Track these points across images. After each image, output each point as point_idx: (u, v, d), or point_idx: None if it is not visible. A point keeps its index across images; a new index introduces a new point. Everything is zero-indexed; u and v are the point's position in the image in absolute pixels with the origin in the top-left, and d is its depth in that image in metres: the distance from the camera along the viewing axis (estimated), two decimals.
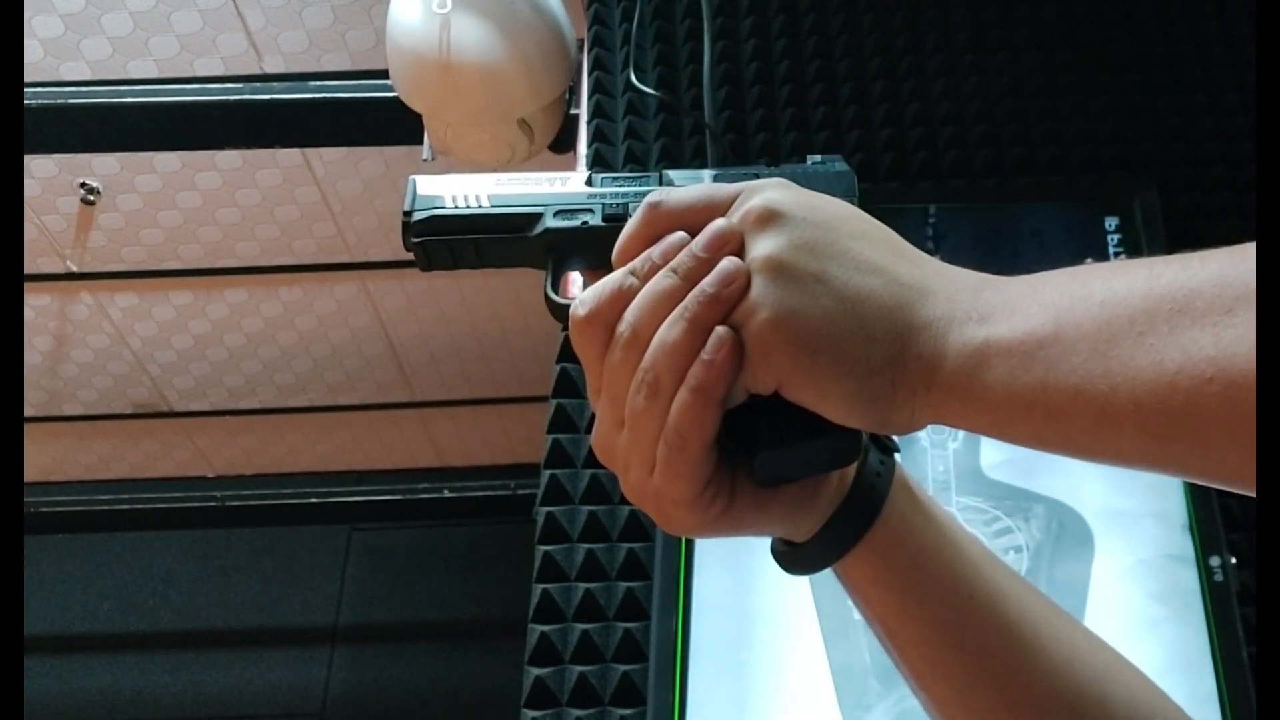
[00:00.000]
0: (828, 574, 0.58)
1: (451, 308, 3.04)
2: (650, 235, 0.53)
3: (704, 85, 1.65)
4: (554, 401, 1.47)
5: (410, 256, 0.62)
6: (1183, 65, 1.71)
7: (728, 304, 0.49)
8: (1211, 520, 1.32)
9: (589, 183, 0.61)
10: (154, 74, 2.37)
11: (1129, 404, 0.42)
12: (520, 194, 0.60)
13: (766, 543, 0.59)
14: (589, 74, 1.74)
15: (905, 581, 0.56)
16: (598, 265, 0.56)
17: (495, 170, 1.92)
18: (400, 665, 3.48)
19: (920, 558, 0.56)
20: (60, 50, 2.33)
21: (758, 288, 0.49)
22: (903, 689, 1.28)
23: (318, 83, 2.26)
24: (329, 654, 3.52)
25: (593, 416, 1.45)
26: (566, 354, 1.49)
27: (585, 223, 0.59)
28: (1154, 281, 0.43)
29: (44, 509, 3.52)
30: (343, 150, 2.55)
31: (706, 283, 0.49)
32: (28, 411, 3.22)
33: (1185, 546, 1.32)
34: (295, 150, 2.54)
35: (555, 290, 0.59)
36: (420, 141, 1.93)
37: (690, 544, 1.35)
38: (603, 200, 0.59)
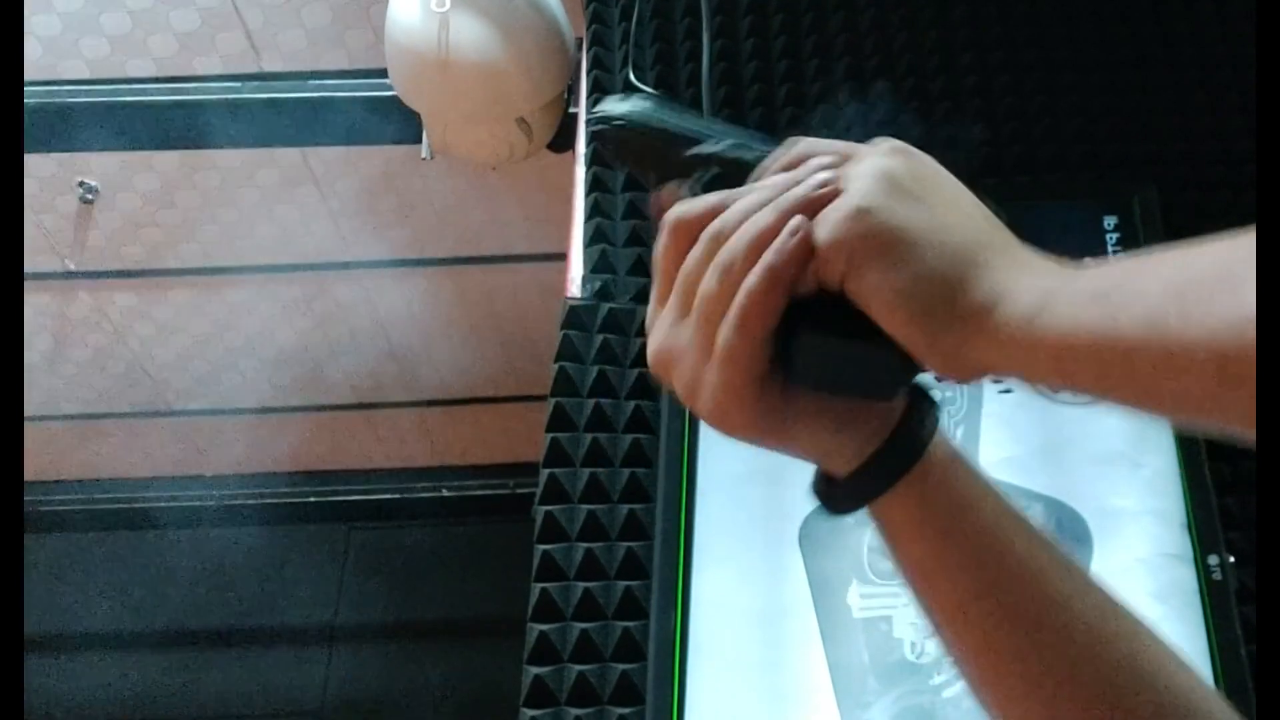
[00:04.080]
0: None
1: (450, 308, 3.04)
2: (787, 163, 0.56)
3: (703, 83, 1.65)
4: (553, 400, 1.47)
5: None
6: (1183, 65, 1.71)
7: (816, 204, 0.52)
8: (1210, 519, 1.32)
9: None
10: (153, 73, 2.37)
11: (1204, 339, 0.42)
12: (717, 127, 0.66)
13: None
14: (588, 72, 1.74)
15: (942, 529, 0.56)
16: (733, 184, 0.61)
17: (493, 166, 1.92)
18: (398, 664, 3.48)
19: (959, 507, 0.57)
20: (59, 49, 2.33)
21: (862, 185, 0.52)
22: (901, 687, 1.28)
23: (316, 82, 2.27)
24: (327, 653, 3.52)
25: (592, 414, 1.45)
26: (565, 353, 1.49)
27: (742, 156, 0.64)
28: (1230, 245, 0.44)
29: (44, 509, 3.52)
30: (341, 149, 2.55)
31: (800, 187, 0.53)
32: (27, 411, 3.22)
33: (1184, 545, 1.32)
34: (294, 149, 2.54)
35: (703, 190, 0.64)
36: (419, 140, 1.93)
37: (689, 543, 1.35)
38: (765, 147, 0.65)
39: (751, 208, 0.54)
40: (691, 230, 0.54)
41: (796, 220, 0.52)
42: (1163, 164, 1.61)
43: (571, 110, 1.88)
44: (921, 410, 0.56)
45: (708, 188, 0.63)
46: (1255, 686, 1.22)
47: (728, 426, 0.54)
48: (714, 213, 0.55)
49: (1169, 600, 1.28)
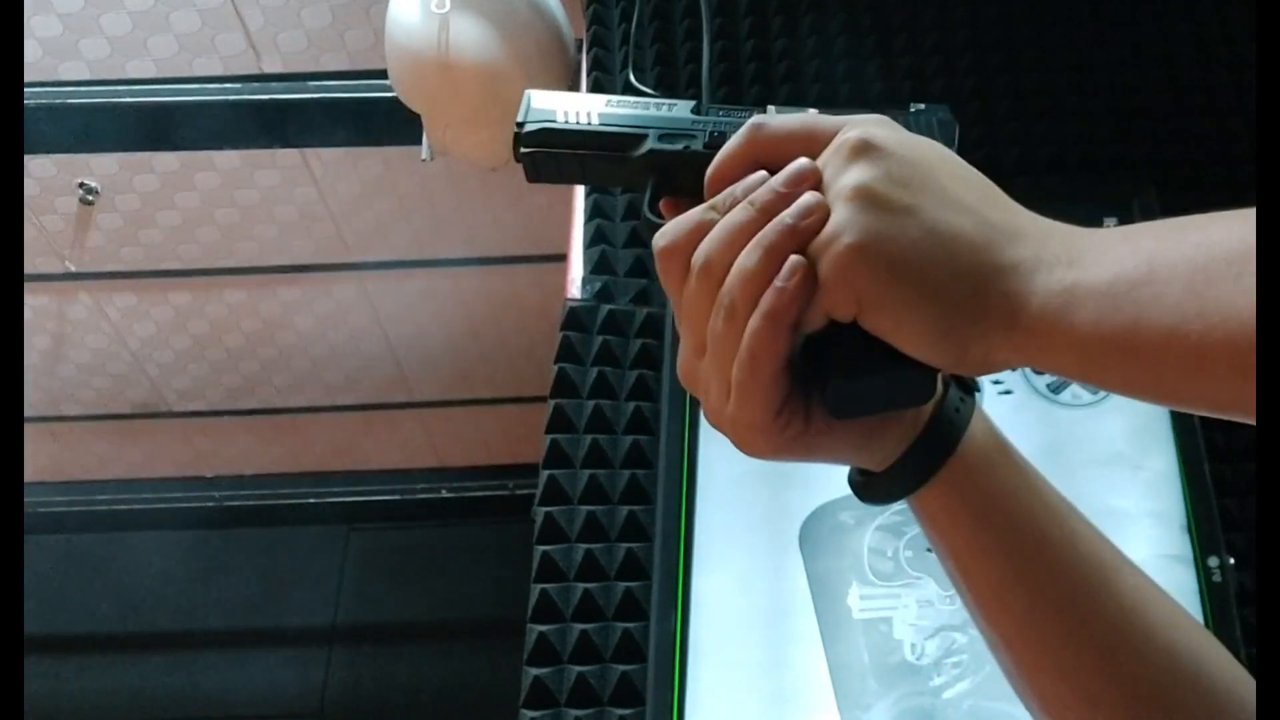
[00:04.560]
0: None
1: (450, 308, 3.04)
2: (749, 155, 0.54)
3: (703, 85, 1.65)
4: (552, 402, 1.46)
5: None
6: (1182, 65, 1.71)
7: (805, 235, 0.50)
8: (1210, 520, 1.32)
9: (697, 110, 0.62)
10: (153, 74, 2.37)
11: (1225, 345, 0.41)
12: (629, 115, 0.62)
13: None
14: (588, 74, 1.74)
15: (979, 517, 0.56)
16: (696, 191, 0.57)
17: (493, 168, 1.92)
18: (398, 665, 3.48)
19: (996, 495, 0.56)
20: (59, 50, 2.33)
21: (846, 213, 0.50)
22: (901, 688, 1.28)
23: (316, 83, 2.26)
24: (326, 654, 3.52)
25: (592, 415, 1.45)
26: (565, 355, 1.49)
27: (687, 147, 0.60)
28: (1251, 226, 0.43)
29: (43, 509, 3.52)
30: (341, 150, 2.55)
31: (786, 213, 0.50)
32: (26, 412, 3.22)
33: (1184, 547, 1.32)
34: (294, 150, 2.54)
35: (653, 212, 0.61)
36: (419, 141, 1.93)
37: (689, 544, 1.34)
38: (707, 127, 0.61)
39: (736, 234, 0.52)
40: (680, 255, 0.53)
41: (793, 261, 0.50)
42: (1162, 165, 1.61)
43: None
44: (955, 402, 0.56)
45: (655, 194, 0.60)
46: (1256, 689, 1.22)
47: (754, 453, 0.54)
48: (695, 236, 0.53)
49: None
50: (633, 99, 0.63)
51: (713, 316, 0.51)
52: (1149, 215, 1.52)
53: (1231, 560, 1.30)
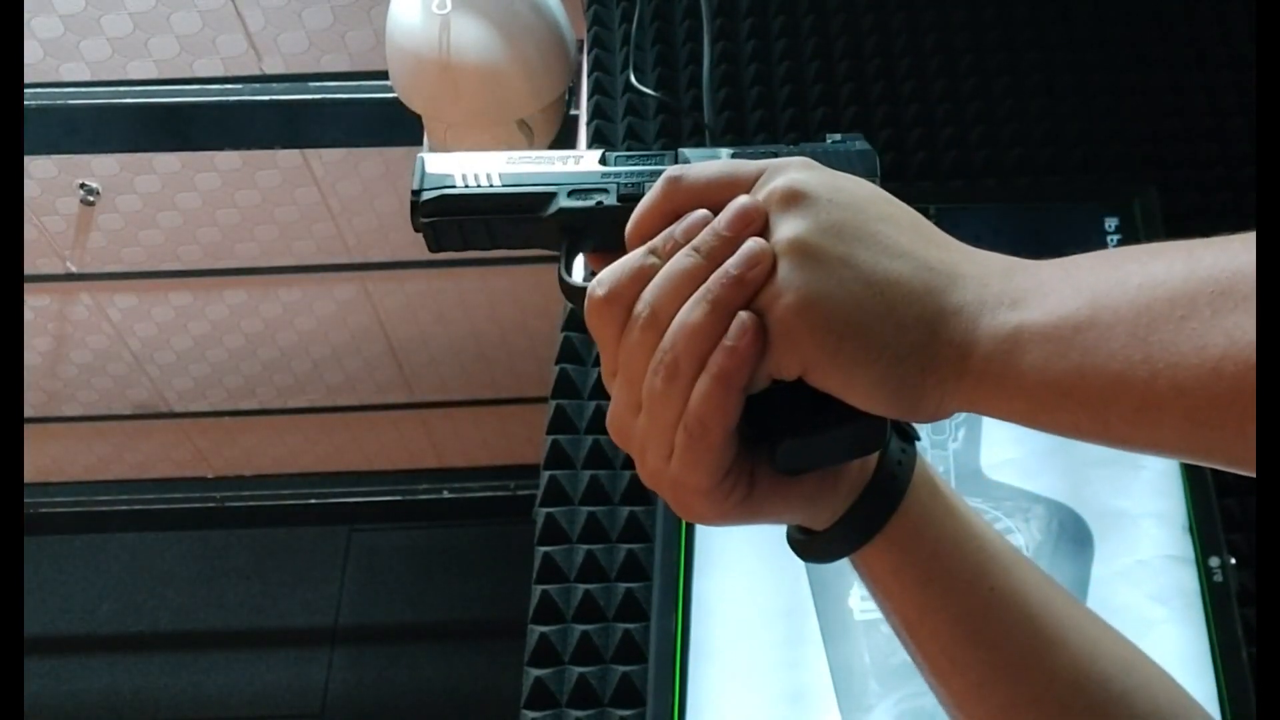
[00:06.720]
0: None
1: (451, 309, 3.04)
2: (668, 210, 0.52)
3: (703, 86, 1.65)
4: (554, 402, 1.47)
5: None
6: (1182, 66, 1.71)
7: (752, 286, 0.48)
8: (1211, 521, 1.32)
9: (603, 161, 0.59)
10: (154, 75, 2.37)
11: (1172, 391, 0.41)
12: (533, 173, 0.59)
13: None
14: (588, 75, 1.74)
15: (925, 573, 0.54)
16: (612, 246, 0.54)
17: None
18: (400, 666, 3.48)
19: (941, 550, 0.54)
20: (60, 51, 2.33)
21: (782, 271, 0.47)
22: (902, 690, 1.28)
23: (317, 84, 2.27)
24: (328, 655, 3.52)
25: (593, 415, 1.45)
26: (566, 355, 1.49)
27: (600, 203, 0.57)
28: (1194, 264, 0.42)
29: (44, 509, 3.52)
30: (342, 151, 2.55)
31: (731, 264, 0.48)
32: (27, 412, 3.22)
33: (1185, 547, 1.32)
34: (295, 151, 2.54)
35: (569, 272, 0.58)
36: (420, 142, 1.93)
37: (690, 544, 1.35)
38: (617, 180, 0.58)
39: (682, 282, 0.49)
40: (621, 304, 0.50)
41: (743, 319, 0.47)
42: (1163, 165, 1.61)
43: (572, 113, 1.88)
44: (897, 454, 0.54)
45: (570, 254, 0.57)
46: (1256, 688, 1.22)
47: (697, 519, 0.52)
48: (638, 284, 0.49)
49: (1170, 602, 1.28)
50: (535, 154, 0.60)
51: (650, 373, 0.48)
52: (1149, 215, 1.52)
53: (1233, 560, 1.30)
